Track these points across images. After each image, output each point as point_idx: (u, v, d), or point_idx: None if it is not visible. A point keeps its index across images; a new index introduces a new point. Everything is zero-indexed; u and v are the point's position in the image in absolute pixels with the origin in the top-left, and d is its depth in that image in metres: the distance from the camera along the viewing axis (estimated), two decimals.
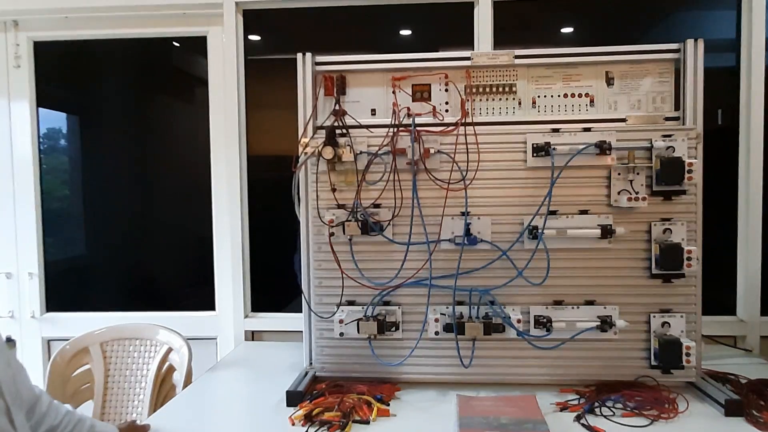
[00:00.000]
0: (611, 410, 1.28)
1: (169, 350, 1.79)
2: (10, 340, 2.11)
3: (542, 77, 1.49)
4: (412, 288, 1.46)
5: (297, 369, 1.53)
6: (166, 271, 2.27)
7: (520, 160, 1.43)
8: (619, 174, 1.40)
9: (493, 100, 1.49)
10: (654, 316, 1.41)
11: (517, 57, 1.47)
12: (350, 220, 1.44)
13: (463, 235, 1.42)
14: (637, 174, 1.39)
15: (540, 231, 1.39)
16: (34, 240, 2.11)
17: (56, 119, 2.24)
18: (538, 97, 1.49)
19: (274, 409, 1.35)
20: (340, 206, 1.47)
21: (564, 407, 1.30)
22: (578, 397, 1.36)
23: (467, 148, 1.43)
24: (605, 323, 1.40)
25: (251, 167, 2.04)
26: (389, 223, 1.45)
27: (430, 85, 1.50)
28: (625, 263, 1.42)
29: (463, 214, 1.44)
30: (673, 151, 1.37)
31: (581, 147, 1.38)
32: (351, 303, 1.48)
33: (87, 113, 2.27)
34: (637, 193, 1.38)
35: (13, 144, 2.11)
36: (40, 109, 2.14)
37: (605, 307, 1.42)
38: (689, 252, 1.35)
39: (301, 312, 1.53)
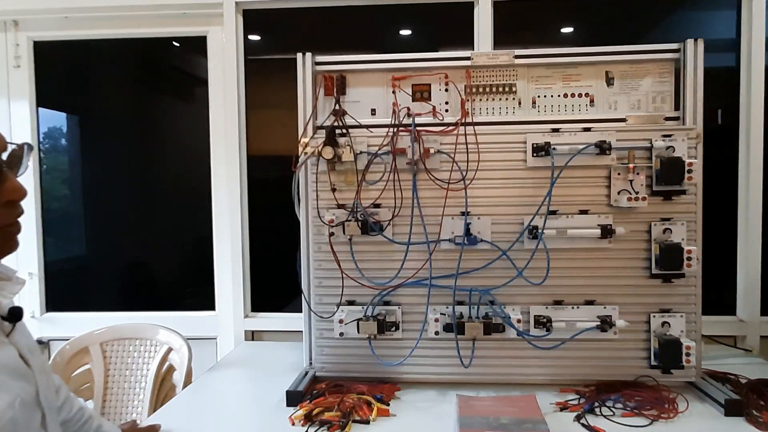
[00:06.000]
0: (611, 410, 1.28)
1: (169, 350, 1.79)
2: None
3: (542, 77, 1.49)
4: (412, 288, 1.46)
5: (297, 369, 1.53)
6: (166, 271, 2.27)
7: (520, 160, 1.43)
8: (619, 174, 1.40)
9: (493, 100, 1.49)
10: (654, 316, 1.41)
11: (517, 57, 1.47)
12: (350, 220, 1.44)
13: (463, 235, 1.42)
14: (637, 174, 1.39)
15: (540, 231, 1.38)
16: (33, 240, 2.11)
17: (56, 119, 2.24)
18: (538, 97, 1.49)
19: (274, 409, 1.35)
20: (340, 206, 1.47)
21: (564, 407, 1.30)
22: (578, 397, 1.36)
23: (467, 148, 1.43)
24: (605, 323, 1.40)
25: (251, 167, 2.04)
26: (389, 223, 1.45)
27: (430, 85, 1.50)
28: (625, 263, 1.42)
29: (463, 214, 1.44)
30: (673, 151, 1.37)
31: (581, 147, 1.38)
32: (351, 303, 1.48)
33: (87, 113, 2.27)
34: (637, 193, 1.38)
35: None
36: (40, 109, 2.14)
37: (605, 307, 1.42)
38: (689, 252, 1.35)
39: (301, 312, 1.53)
